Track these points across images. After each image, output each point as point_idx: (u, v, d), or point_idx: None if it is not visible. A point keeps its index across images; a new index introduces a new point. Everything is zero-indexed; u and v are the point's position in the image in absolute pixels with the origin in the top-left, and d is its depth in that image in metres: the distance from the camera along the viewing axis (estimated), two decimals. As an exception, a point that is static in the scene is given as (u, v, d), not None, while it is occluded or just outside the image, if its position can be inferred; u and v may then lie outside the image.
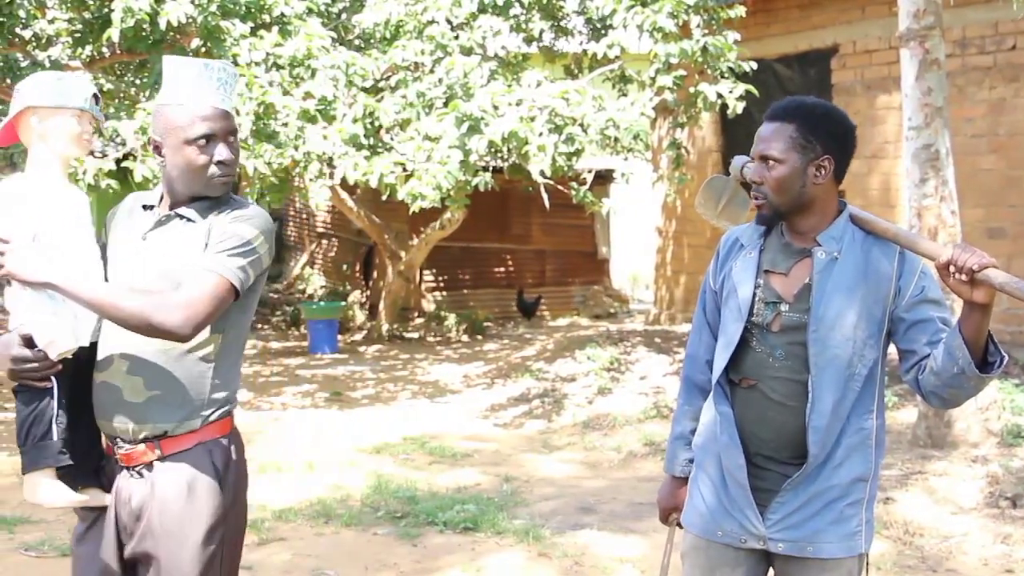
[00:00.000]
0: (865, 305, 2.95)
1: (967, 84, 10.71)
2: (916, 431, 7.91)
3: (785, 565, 3.06)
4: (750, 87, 10.03)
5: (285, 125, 9.31)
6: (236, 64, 9.37)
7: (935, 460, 7.44)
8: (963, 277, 2.67)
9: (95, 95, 3.12)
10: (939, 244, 2.83)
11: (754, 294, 3.05)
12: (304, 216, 20.42)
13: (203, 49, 9.50)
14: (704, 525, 3.13)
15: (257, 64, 9.44)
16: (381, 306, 15.25)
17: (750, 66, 10.31)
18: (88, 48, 10.52)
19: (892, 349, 3.09)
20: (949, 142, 7.78)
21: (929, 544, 6.13)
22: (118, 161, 9.87)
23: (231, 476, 3.05)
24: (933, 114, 7.65)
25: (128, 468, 3.01)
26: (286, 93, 9.49)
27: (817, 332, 2.94)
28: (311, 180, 9.62)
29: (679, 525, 3.29)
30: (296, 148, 9.30)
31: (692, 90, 10.26)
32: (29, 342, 2.87)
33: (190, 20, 9.11)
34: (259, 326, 16.49)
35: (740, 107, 10.06)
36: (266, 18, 10.09)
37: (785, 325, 3.00)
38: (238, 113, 9.01)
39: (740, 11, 10.52)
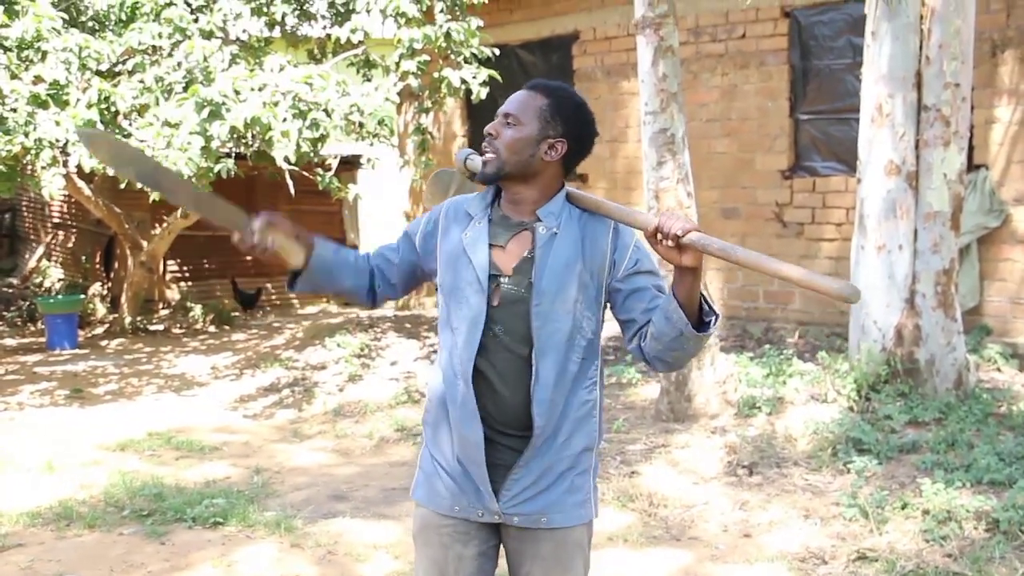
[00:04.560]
0: (583, 279, 3.03)
1: (701, 70, 11.11)
2: (659, 406, 8.18)
3: (518, 539, 3.13)
4: (493, 72, 10.15)
5: (14, 111, 8.88)
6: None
7: (677, 433, 7.72)
8: (670, 243, 2.79)
9: None
10: (649, 215, 2.94)
11: (490, 261, 3.07)
12: (39, 206, 19.53)
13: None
14: (439, 501, 3.15)
15: (-19, 46, 8.99)
16: (123, 298, 14.74)
17: (493, 52, 10.43)
18: None
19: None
20: (684, 126, 8.05)
21: (673, 514, 6.36)
22: None
23: None
24: (668, 99, 7.91)
25: None
26: (14, 77, 9.06)
27: (540, 306, 3.00)
28: (43, 168, 9.21)
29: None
30: (26, 135, 8.88)
31: (436, 75, 10.31)
32: None
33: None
34: (-9, 323, 15.75)
35: (484, 92, 10.17)
36: (-10, -3, 9.60)
37: (504, 299, 3.04)
38: None
39: (483, -3, 10.62)
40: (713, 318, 2.90)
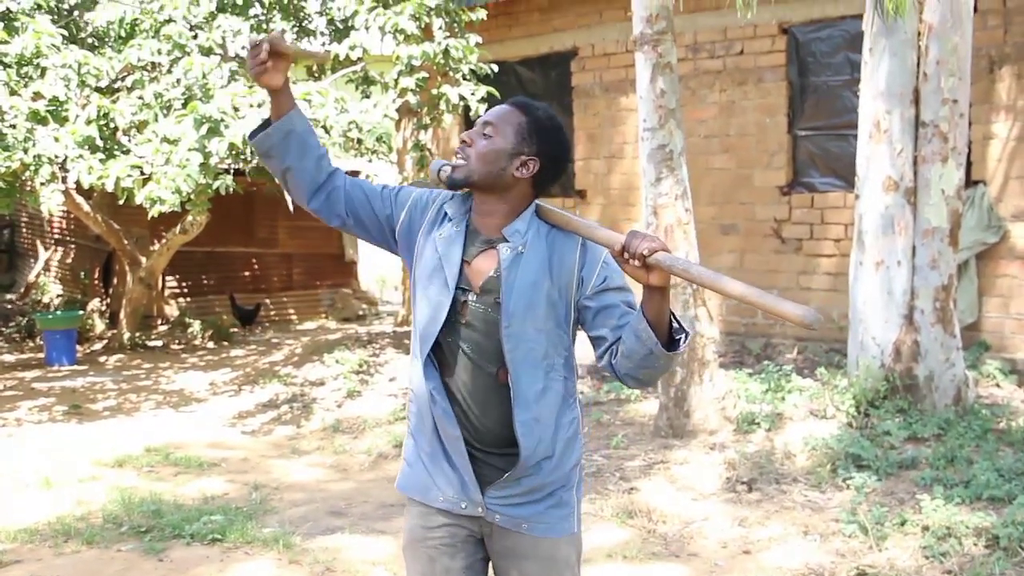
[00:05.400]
0: (551, 297, 3.01)
1: (699, 87, 11.14)
2: (658, 422, 8.18)
3: (503, 554, 3.14)
4: (492, 89, 10.16)
5: (13, 127, 8.90)
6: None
7: (676, 449, 7.71)
8: (636, 263, 2.75)
9: None
10: (616, 232, 2.92)
11: (461, 271, 3.06)
12: (38, 222, 19.54)
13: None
14: (423, 491, 3.15)
15: (-19, 62, 9.01)
16: (122, 314, 14.72)
17: (492, 68, 10.44)
18: None
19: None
20: (683, 142, 8.07)
21: (672, 530, 6.35)
22: None
23: None
24: (667, 115, 7.93)
25: None
26: (14, 93, 9.07)
27: (510, 328, 2.98)
28: (42, 184, 9.22)
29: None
30: (25, 151, 8.89)
31: (435, 92, 10.33)
32: None
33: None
34: (-11, 338, 15.73)
35: (483, 109, 10.17)
36: (-10, 13, 9.62)
37: (472, 317, 3.04)
38: None
39: (481, 14, 10.64)
40: (683, 336, 2.88)
